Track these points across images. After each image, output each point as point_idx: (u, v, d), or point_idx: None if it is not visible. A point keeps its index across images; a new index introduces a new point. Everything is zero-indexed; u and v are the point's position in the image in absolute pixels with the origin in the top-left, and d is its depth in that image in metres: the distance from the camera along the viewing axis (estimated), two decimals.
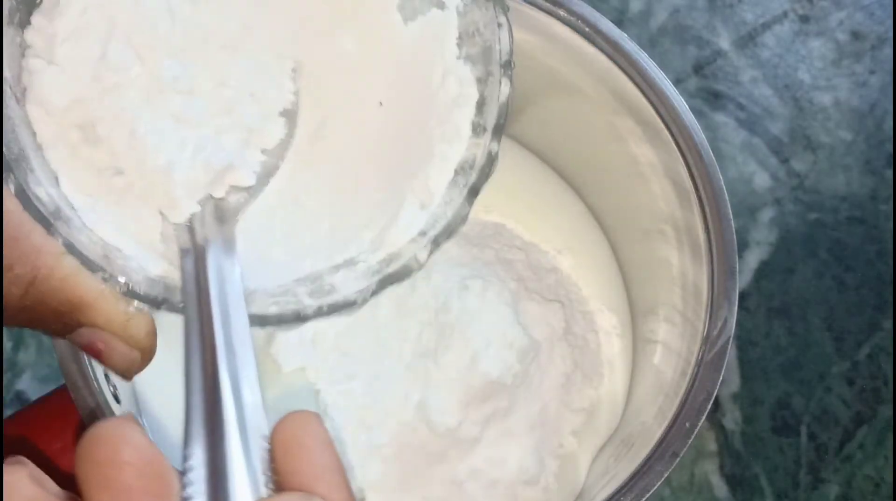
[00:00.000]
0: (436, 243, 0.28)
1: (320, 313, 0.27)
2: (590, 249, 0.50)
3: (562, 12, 0.40)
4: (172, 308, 0.26)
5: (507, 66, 0.29)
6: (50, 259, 0.24)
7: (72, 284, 0.24)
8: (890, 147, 0.61)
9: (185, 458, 0.21)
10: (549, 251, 0.49)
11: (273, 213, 0.30)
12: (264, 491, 0.21)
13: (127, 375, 0.27)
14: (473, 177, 0.29)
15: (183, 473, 0.21)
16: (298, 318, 0.27)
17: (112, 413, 0.35)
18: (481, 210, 0.49)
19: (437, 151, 0.29)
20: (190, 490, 0.20)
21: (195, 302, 0.24)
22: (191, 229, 0.27)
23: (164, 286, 0.26)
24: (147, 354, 0.27)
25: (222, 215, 0.27)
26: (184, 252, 0.26)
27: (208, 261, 0.25)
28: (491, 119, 0.29)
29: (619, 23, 0.45)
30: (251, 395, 0.22)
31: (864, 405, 0.55)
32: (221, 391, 0.22)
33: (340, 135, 0.30)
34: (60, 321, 0.25)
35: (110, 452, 0.20)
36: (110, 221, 0.26)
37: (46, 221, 0.24)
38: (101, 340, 0.25)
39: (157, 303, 0.26)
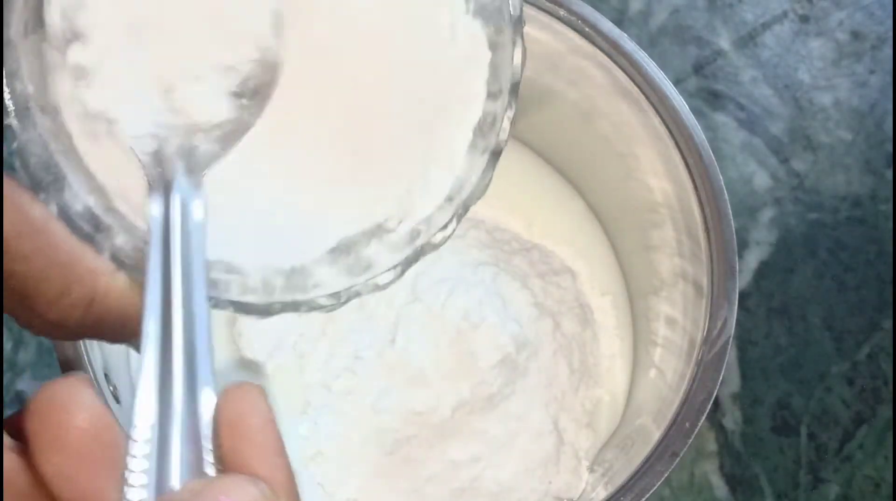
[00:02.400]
0: (465, 207, 0.28)
1: (361, 292, 0.26)
2: (590, 248, 0.50)
3: (562, 12, 0.40)
4: (220, 306, 0.25)
5: (519, 22, 0.28)
6: (105, 278, 0.24)
7: (128, 298, 0.24)
8: (890, 147, 0.61)
9: (132, 426, 0.21)
10: (549, 250, 0.49)
11: (292, 179, 0.28)
12: (209, 468, 0.21)
13: None
14: (493, 139, 0.28)
15: (129, 441, 0.20)
16: (340, 300, 0.26)
17: (111, 413, 0.34)
18: (481, 208, 0.49)
19: (454, 112, 0.28)
20: (134, 462, 0.20)
21: (159, 254, 0.24)
22: (159, 170, 0.26)
23: (209, 281, 0.25)
24: None
25: (192, 164, 0.26)
26: (152, 196, 0.25)
27: (172, 212, 0.24)
28: (506, 79, 0.28)
29: (619, 23, 0.45)
30: (204, 363, 0.22)
31: (864, 405, 0.55)
32: (173, 357, 0.22)
33: (342, 90, 0.29)
34: (120, 333, 0.25)
35: (63, 414, 0.19)
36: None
37: (91, 238, 0.24)
38: None
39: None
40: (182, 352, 0.22)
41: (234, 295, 0.26)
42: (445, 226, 0.28)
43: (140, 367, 0.22)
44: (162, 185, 0.25)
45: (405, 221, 0.28)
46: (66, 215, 0.24)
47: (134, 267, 0.25)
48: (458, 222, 0.28)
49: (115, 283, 0.24)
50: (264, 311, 0.26)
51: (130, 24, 0.27)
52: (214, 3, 0.27)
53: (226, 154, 0.27)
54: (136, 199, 0.26)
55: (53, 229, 0.24)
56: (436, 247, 0.28)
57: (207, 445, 0.21)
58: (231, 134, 0.28)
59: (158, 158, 0.26)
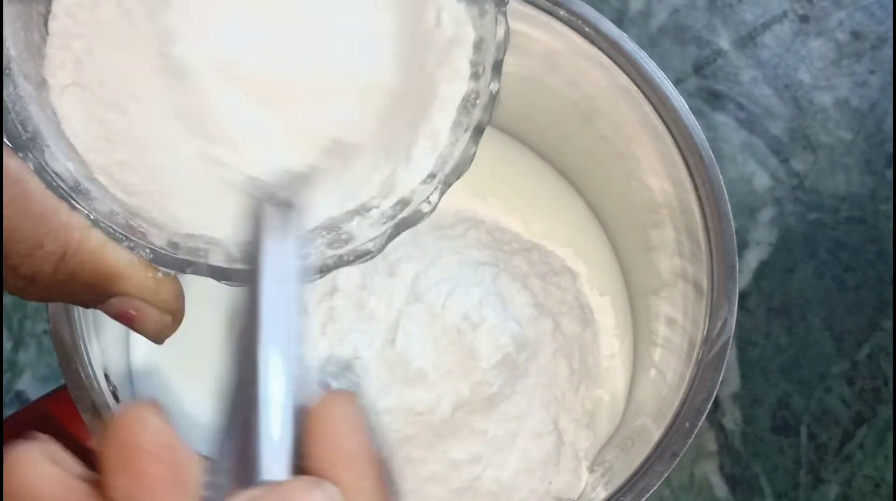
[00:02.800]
0: (446, 183, 0.28)
1: (342, 263, 0.27)
2: (590, 248, 0.50)
3: (562, 12, 0.40)
4: (199, 271, 0.26)
5: (501, 2, 0.29)
6: (78, 233, 0.24)
7: (101, 256, 0.25)
8: (890, 147, 0.61)
9: (218, 443, 0.21)
10: (549, 250, 0.49)
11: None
12: (285, 475, 0.21)
13: (159, 339, 0.27)
14: (476, 116, 0.28)
15: (210, 458, 0.21)
16: (320, 270, 0.27)
17: (112, 413, 0.35)
18: (481, 208, 0.49)
19: (439, 91, 0.29)
20: (215, 477, 0.20)
21: (252, 274, 0.24)
22: (258, 202, 0.26)
23: (188, 250, 0.26)
24: (177, 316, 0.27)
25: (292, 187, 0.27)
26: (250, 219, 0.26)
27: (268, 230, 0.25)
28: (489, 58, 0.29)
29: (619, 23, 0.45)
30: (294, 373, 0.22)
31: (864, 405, 0.55)
32: (261, 371, 0.22)
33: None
34: (92, 293, 0.25)
35: (130, 437, 0.20)
36: (129, 183, 0.27)
37: (68, 196, 0.25)
38: (133, 308, 0.26)
39: (182, 267, 0.26)
40: (269, 369, 0.22)
41: (216, 261, 0.26)
42: (428, 199, 0.28)
43: (223, 387, 0.22)
44: (259, 211, 0.25)
45: (388, 197, 0.28)
46: (42, 172, 0.25)
47: (108, 228, 0.25)
48: (441, 195, 0.28)
49: (88, 239, 0.24)
50: (247, 278, 0.26)
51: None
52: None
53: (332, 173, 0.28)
54: (119, 175, 0.27)
55: (27, 180, 0.24)
56: (418, 219, 0.28)
57: (292, 451, 0.21)
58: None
59: (257, 184, 0.26)
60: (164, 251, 0.26)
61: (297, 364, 0.23)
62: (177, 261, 0.26)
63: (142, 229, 0.26)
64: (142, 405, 0.20)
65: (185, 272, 0.26)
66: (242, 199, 0.26)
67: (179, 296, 0.27)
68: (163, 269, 0.26)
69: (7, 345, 0.53)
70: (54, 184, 0.25)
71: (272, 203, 0.26)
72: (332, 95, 0.28)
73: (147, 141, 0.27)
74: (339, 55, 0.28)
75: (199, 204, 0.27)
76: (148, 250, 0.25)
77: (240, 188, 0.27)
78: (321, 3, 0.28)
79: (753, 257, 0.58)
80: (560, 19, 0.41)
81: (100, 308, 0.26)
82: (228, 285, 0.26)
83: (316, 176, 0.28)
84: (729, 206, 0.39)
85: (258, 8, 0.28)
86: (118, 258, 0.25)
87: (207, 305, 0.45)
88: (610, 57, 0.41)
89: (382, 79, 0.29)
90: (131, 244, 0.25)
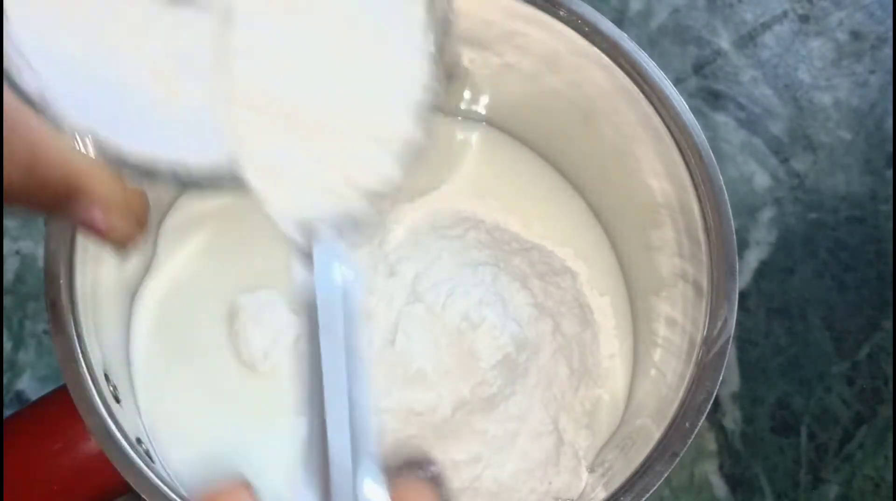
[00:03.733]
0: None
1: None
2: (590, 248, 0.50)
3: (561, 12, 0.40)
4: (163, 178, 0.26)
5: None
6: (46, 137, 0.25)
7: (68, 159, 0.25)
8: (890, 147, 0.61)
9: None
10: (549, 250, 0.49)
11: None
12: None
13: (124, 248, 0.28)
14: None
15: None
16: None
17: (112, 413, 0.35)
18: (481, 208, 0.49)
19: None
20: None
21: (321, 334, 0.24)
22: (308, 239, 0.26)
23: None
24: (144, 228, 0.28)
25: (344, 229, 0.27)
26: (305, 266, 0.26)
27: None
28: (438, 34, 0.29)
29: (619, 23, 0.45)
30: (367, 454, 0.21)
31: (864, 405, 0.55)
32: (335, 451, 0.21)
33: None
34: (63, 202, 0.25)
35: None
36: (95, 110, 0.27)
37: (34, 103, 0.25)
38: (100, 216, 0.26)
39: (147, 174, 0.26)
40: (349, 445, 0.21)
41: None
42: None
43: (301, 458, 0.21)
44: (315, 254, 0.25)
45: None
46: (10, 80, 0.25)
47: (72, 133, 0.25)
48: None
49: (56, 141, 0.25)
50: (205, 184, 0.27)
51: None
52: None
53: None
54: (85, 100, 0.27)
55: None
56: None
57: None
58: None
59: (307, 226, 0.26)
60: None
61: (373, 449, 0.22)
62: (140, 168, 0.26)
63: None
64: (235, 488, 0.20)
65: (152, 179, 0.26)
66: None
67: (147, 207, 0.28)
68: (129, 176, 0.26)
69: (7, 345, 0.53)
70: (21, 91, 0.25)
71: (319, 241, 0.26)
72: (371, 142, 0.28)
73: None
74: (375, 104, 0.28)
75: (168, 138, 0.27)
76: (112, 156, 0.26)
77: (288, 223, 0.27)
78: (355, 52, 0.28)
79: (753, 257, 0.58)
80: (560, 19, 0.41)
81: (69, 218, 0.26)
82: (193, 192, 0.27)
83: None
84: (729, 206, 0.39)
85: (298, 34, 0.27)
86: (86, 163, 0.25)
87: (207, 304, 0.45)
88: (610, 57, 0.41)
89: (414, 133, 0.28)
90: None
